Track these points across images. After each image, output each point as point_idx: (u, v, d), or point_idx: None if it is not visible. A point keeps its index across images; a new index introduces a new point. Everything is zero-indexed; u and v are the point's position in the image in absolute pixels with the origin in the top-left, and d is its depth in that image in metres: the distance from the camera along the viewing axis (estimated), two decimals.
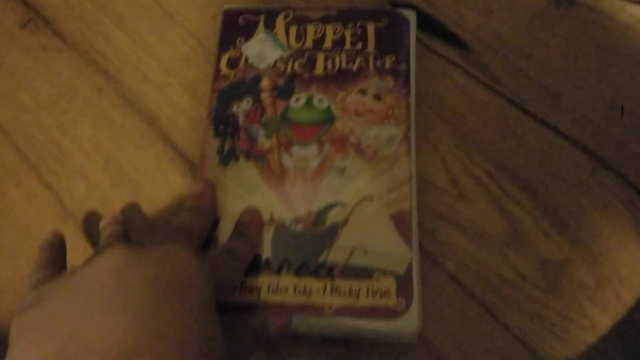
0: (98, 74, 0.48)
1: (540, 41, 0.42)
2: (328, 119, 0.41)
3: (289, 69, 0.43)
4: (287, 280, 0.36)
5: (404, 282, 0.35)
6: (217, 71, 0.44)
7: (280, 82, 0.42)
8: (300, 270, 0.36)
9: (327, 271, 0.36)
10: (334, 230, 0.37)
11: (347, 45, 0.43)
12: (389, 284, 0.35)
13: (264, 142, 0.40)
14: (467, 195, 0.40)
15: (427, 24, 0.45)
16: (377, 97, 0.41)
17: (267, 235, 0.38)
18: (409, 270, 0.36)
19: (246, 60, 0.44)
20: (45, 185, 0.45)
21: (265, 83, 0.42)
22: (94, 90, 0.48)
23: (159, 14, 0.50)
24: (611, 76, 0.41)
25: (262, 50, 0.44)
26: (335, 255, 0.37)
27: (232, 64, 0.44)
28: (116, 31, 0.50)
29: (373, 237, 0.37)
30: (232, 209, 0.39)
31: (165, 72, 0.48)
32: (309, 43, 0.44)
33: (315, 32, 0.44)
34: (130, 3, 0.51)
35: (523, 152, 0.41)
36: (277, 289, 0.36)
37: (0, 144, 0.47)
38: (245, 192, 0.39)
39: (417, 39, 0.44)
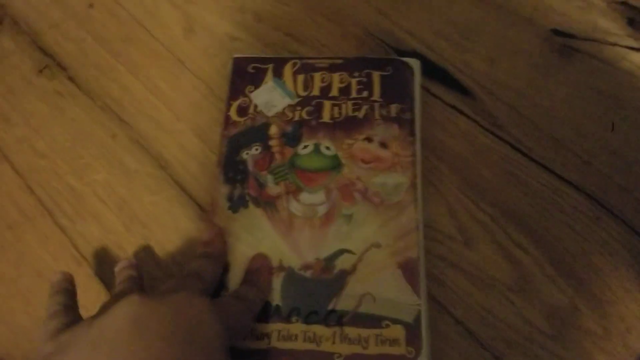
0: (112, 120, 0.50)
1: (544, 88, 0.43)
2: (335, 166, 0.41)
3: (296, 117, 0.44)
4: (296, 327, 0.37)
5: (413, 331, 0.36)
6: (227, 118, 0.45)
7: (288, 129, 0.43)
8: (310, 318, 0.37)
9: (337, 319, 0.37)
10: (342, 278, 0.38)
11: (353, 94, 0.44)
12: (398, 332, 0.36)
13: (273, 189, 0.41)
14: (473, 242, 0.41)
15: (432, 71, 0.46)
16: (383, 145, 0.42)
17: (277, 282, 0.38)
18: (417, 319, 0.36)
19: (255, 107, 0.45)
20: (59, 229, 0.46)
21: (273, 130, 0.44)
22: (108, 136, 0.49)
23: (171, 61, 0.51)
24: (614, 123, 0.42)
25: (270, 98, 0.45)
26: (344, 302, 0.37)
27: (242, 111, 0.45)
28: (130, 78, 0.51)
29: (381, 285, 0.37)
30: (241, 255, 0.39)
31: (177, 119, 0.49)
32: (316, 91, 0.45)
33: (322, 80, 0.45)
34: (144, 51, 0.53)
35: (528, 198, 0.41)
36: (287, 336, 0.36)
37: (16, 189, 0.48)
38: (254, 238, 0.40)
39: (422, 87, 0.45)
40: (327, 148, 0.42)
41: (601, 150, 0.41)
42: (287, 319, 0.37)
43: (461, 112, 0.44)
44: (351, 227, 0.39)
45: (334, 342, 0.36)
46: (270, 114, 0.44)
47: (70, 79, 0.52)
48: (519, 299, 0.39)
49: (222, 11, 0.52)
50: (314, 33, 0.50)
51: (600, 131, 0.42)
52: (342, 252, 0.39)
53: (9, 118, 0.51)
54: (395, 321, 0.36)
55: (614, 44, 0.43)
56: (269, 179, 0.42)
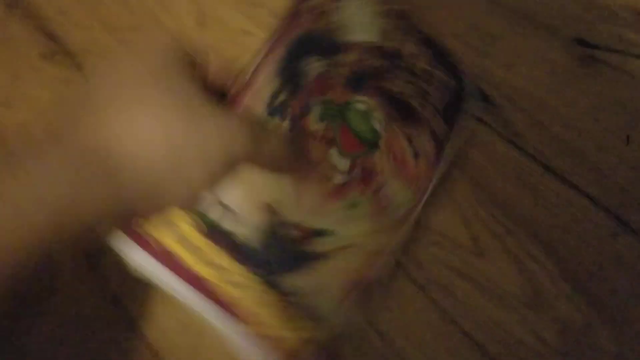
0: None
1: (564, 98, 0.42)
2: (372, 144, 0.36)
3: (368, 63, 0.36)
4: (251, 281, 0.32)
5: (320, 348, 0.34)
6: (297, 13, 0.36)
7: (358, 70, 0.36)
8: (268, 278, 0.33)
9: (283, 293, 0.33)
10: (311, 258, 0.34)
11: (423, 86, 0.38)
12: (306, 342, 0.34)
13: (314, 123, 0.35)
14: (486, 253, 0.39)
15: None
16: (417, 155, 0.37)
17: (261, 226, 0.33)
18: (329, 340, 0.34)
19: (333, 21, 0.36)
20: None
21: (350, 58, 0.36)
22: None
23: None
24: (636, 138, 0.40)
25: (357, 19, 0.36)
26: (292, 280, 0.33)
27: (316, 12, 0.36)
28: None
29: (325, 289, 0.34)
30: (249, 176, 0.33)
31: None
32: (397, 49, 0.37)
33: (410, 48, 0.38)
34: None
35: (545, 210, 0.40)
36: (239, 284, 0.32)
37: None
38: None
39: None
40: (379, 121, 0.36)
41: (621, 165, 0.40)
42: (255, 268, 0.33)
43: (479, 119, 0.43)
44: (350, 214, 0.35)
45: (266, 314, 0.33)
46: (347, 37, 0.36)
47: (77, 66, 0.51)
48: (531, 313, 0.38)
49: (237, 5, 0.51)
50: None
51: (621, 145, 0.41)
52: (330, 233, 0.34)
53: (10, 102, 0.50)
54: (313, 331, 0.34)
55: (639, 57, 0.42)
56: (317, 109, 0.35)
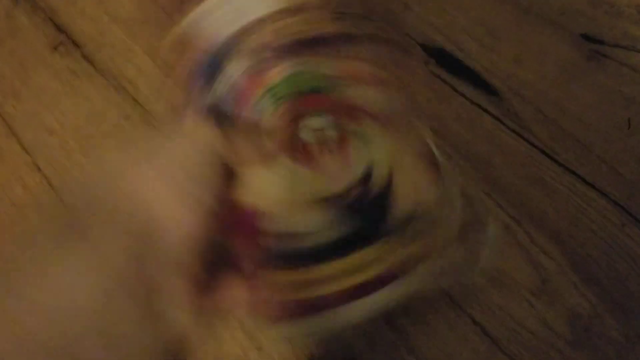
0: (126, 101, 0.48)
1: (571, 92, 0.43)
2: (331, 85, 0.33)
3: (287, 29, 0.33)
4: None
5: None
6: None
7: (283, 40, 0.33)
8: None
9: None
10: (385, 194, 0.31)
11: None
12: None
13: (273, 115, 0.31)
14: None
15: (458, 69, 0.46)
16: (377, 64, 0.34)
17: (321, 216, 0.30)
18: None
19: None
20: None
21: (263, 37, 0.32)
22: (121, 117, 0.48)
23: None
24: (630, 118, 0.41)
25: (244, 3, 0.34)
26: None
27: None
28: (147, 60, 0.50)
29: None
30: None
31: None
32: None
33: None
34: (163, 34, 0.51)
35: (552, 201, 0.40)
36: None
37: (23, 165, 0.47)
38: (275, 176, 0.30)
39: (448, 84, 0.45)
40: (324, 66, 0.33)
41: (627, 157, 0.41)
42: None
43: (487, 112, 0.43)
44: (368, 142, 0.32)
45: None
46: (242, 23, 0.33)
47: (85, 57, 0.51)
48: (539, 303, 0.38)
49: None
50: None
51: (627, 138, 0.41)
52: (371, 165, 0.31)
53: (19, 93, 0.50)
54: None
55: None
56: (267, 102, 0.31)
